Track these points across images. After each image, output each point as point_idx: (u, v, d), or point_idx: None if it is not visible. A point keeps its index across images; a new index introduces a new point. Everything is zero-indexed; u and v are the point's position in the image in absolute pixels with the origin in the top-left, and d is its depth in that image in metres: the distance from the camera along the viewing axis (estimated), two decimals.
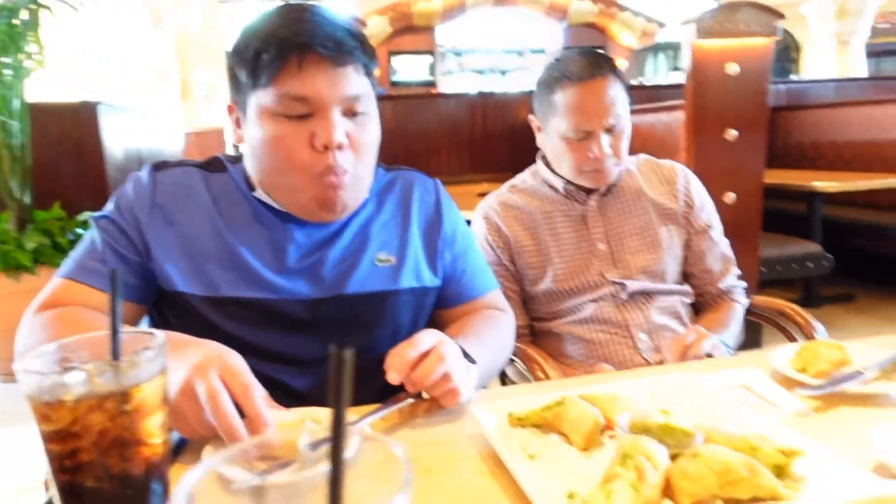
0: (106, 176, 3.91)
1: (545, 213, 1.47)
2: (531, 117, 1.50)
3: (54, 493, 0.53)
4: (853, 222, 3.97)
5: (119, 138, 4.06)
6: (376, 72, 1.03)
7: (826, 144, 4.62)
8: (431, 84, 9.90)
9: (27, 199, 3.47)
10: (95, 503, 0.52)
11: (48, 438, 0.51)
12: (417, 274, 1.07)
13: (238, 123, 1.00)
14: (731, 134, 3.01)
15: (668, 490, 0.58)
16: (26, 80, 3.43)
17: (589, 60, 1.36)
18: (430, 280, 1.09)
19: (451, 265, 1.12)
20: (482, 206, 1.53)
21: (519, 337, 1.44)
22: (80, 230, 3.50)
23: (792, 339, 1.40)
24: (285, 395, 0.94)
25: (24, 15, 3.34)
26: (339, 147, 0.91)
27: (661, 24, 10.25)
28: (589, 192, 1.46)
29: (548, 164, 1.50)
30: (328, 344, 1.01)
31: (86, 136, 3.87)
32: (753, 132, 3.04)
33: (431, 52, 9.92)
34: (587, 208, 1.46)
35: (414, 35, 9.73)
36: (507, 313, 1.18)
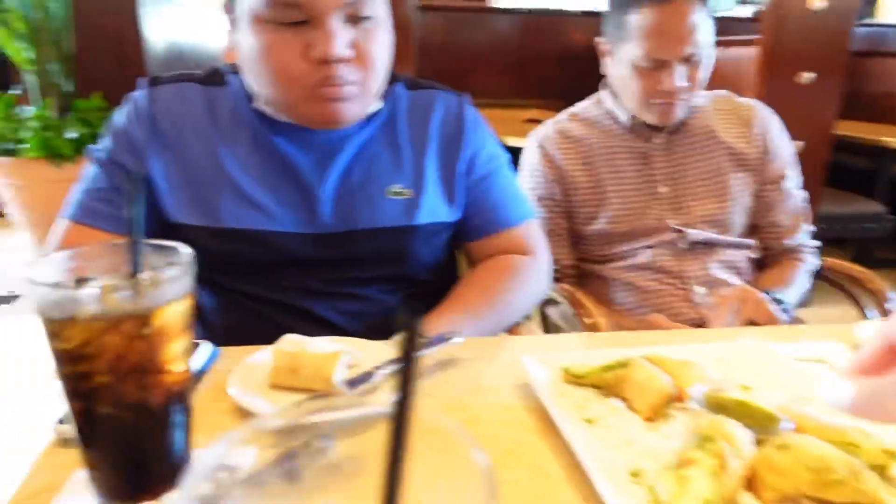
0: (146, 68, 3.83)
1: (606, 148, 1.35)
2: (599, 40, 1.35)
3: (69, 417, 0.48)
4: None
5: (160, 31, 3.93)
6: None
7: None
8: None
9: (69, 87, 3.42)
10: (111, 433, 0.47)
11: (59, 358, 0.45)
12: (435, 207, 0.96)
13: (233, 25, 0.88)
14: (807, 77, 2.77)
15: (749, 482, 0.51)
16: None
17: None
18: (448, 214, 0.98)
19: (474, 191, 1.00)
20: (537, 132, 1.42)
21: (564, 277, 1.37)
22: None
23: (854, 302, 1.30)
24: (313, 324, 0.89)
25: None
26: (341, 60, 0.80)
27: None
28: (656, 127, 1.33)
29: (614, 94, 1.36)
30: (341, 274, 0.90)
31: (126, 26, 3.76)
32: (831, 77, 2.80)
33: None
34: (651, 146, 1.33)
35: None
36: (536, 255, 1.05)
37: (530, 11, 5.17)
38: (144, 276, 0.46)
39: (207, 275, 0.89)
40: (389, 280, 0.96)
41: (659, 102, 1.26)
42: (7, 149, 3.26)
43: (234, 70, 0.95)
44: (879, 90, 4.49)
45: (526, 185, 1.38)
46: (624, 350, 0.73)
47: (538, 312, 1.40)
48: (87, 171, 0.91)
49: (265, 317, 0.90)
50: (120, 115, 0.92)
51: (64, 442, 0.58)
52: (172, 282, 0.45)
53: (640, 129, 1.34)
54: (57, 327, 0.44)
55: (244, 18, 0.82)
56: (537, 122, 3.88)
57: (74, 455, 0.56)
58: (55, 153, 3.23)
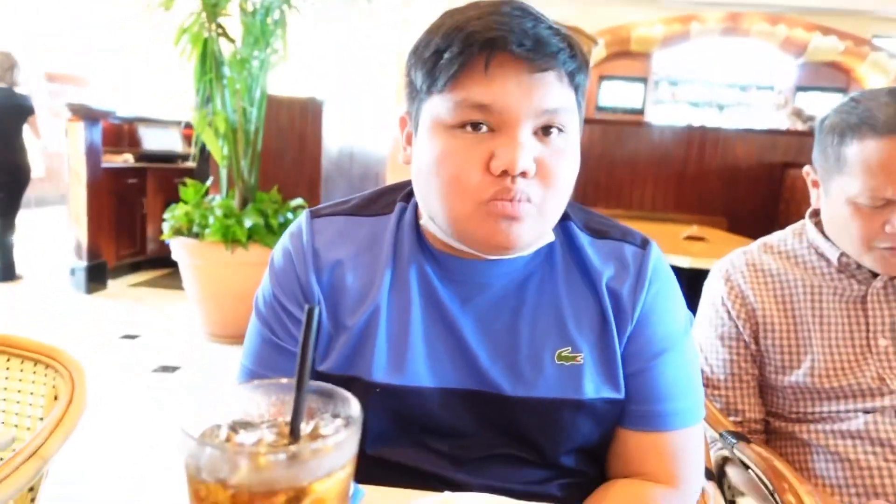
0: (321, 168, 4.16)
1: (809, 288, 1.16)
2: (807, 169, 1.19)
3: None
4: None
5: (335, 133, 4.29)
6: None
7: None
8: (639, 112, 9.41)
9: (252, 181, 3.79)
10: None
11: None
12: (604, 380, 0.81)
13: (409, 140, 0.83)
14: None
15: None
16: (269, 73, 3.73)
17: None
18: (611, 390, 0.82)
19: (636, 370, 0.83)
20: (722, 263, 1.26)
21: (752, 433, 1.16)
22: (290, 215, 3.75)
23: None
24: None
25: (276, 14, 3.64)
26: (524, 175, 0.72)
27: None
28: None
29: (820, 228, 1.19)
30: (487, 443, 0.71)
31: (309, 129, 4.15)
32: None
33: (644, 80, 9.40)
34: (870, 290, 1.13)
35: (629, 60, 9.20)
36: (683, 484, 0.84)
37: (696, 128, 5.05)
38: (305, 438, 0.39)
39: None
40: (528, 462, 0.83)
41: (884, 247, 1.06)
42: (195, 232, 3.63)
43: (404, 192, 0.89)
44: None
45: (707, 321, 1.22)
46: None
47: (716, 472, 1.19)
48: (253, 322, 0.87)
49: (396, 483, 0.80)
50: (280, 255, 0.87)
51: None
52: (336, 449, 0.38)
53: (854, 270, 1.14)
54: (200, 487, 0.38)
55: (425, 125, 0.77)
56: (698, 239, 3.63)
57: None
58: (232, 239, 3.53)
